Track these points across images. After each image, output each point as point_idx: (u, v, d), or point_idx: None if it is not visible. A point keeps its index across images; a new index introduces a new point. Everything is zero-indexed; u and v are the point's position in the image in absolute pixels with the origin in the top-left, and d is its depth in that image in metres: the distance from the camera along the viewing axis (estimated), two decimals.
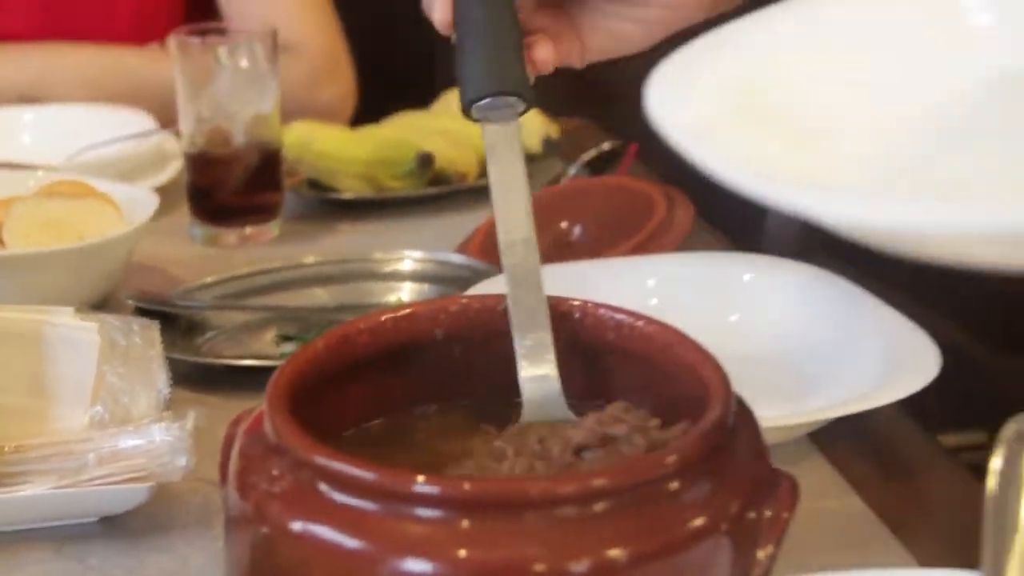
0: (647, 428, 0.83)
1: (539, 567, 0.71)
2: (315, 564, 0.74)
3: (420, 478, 0.73)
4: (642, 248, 1.34)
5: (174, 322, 1.27)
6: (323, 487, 0.74)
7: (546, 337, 0.88)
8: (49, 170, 1.52)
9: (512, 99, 0.95)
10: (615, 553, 0.71)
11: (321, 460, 0.75)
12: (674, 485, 0.74)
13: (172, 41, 1.54)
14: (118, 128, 1.71)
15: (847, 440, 1.09)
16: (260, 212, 1.57)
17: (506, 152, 0.94)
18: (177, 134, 1.61)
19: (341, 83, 2.07)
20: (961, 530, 0.81)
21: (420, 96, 1.82)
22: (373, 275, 1.42)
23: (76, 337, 1.09)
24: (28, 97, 1.85)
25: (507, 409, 0.87)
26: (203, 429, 0.99)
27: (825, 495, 1.02)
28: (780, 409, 1.05)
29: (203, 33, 1.56)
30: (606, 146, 1.70)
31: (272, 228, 1.58)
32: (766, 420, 0.90)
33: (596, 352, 0.89)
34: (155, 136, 1.72)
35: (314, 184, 1.67)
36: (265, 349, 1.27)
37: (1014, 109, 0.78)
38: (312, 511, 0.74)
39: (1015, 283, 1.40)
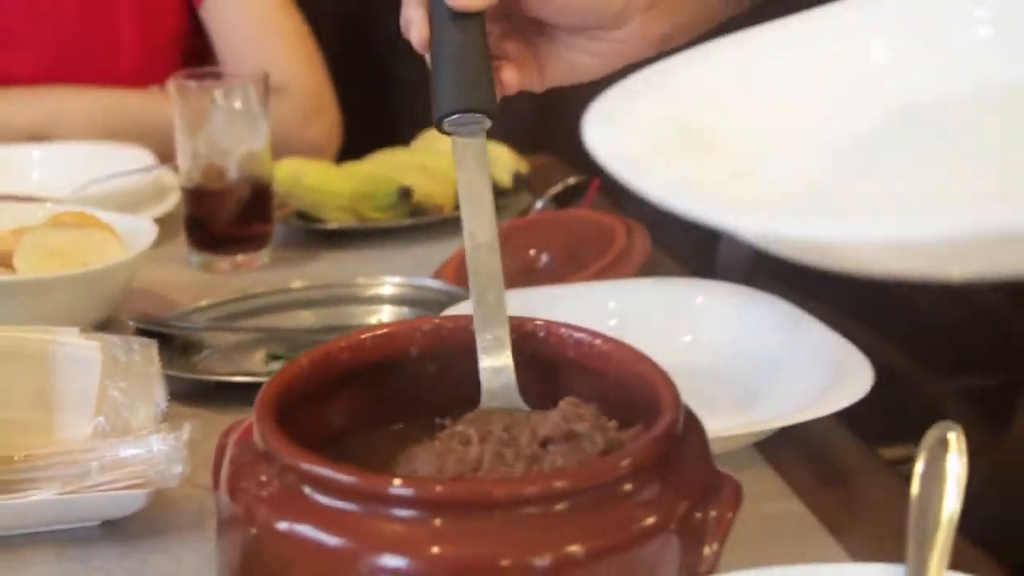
0: (606, 428, 0.83)
1: (505, 562, 0.71)
2: (300, 562, 0.74)
3: (396, 481, 0.74)
4: (603, 274, 1.34)
5: (171, 342, 1.27)
6: (307, 490, 0.74)
7: (504, 333, 0.89)
8: (56, 202, 1.52)
9: (479, 116, 0.96)
10: (574, 549, 0.72)
11: (305, 465, 0.75)
12: (628, 487, 0.74)
13: (171, 84, 1.54)
14: (120, 164, 1.71)
15: (789, 449, 1.09)
16: (252, 241, 1.56)
17: (473, 163, 0.94)
18: (175, 169, 1.61)
19: (328, 122, 2.06)
20: (891, 529, 0.81)
21: (400, 135, 1.81)
22: (356, 299, 1.42)
23: (81, 355, 1.08)
24: (38, 135, 1.85)
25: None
26: (197, 440, 0.98)
27: (769, 499, 1.03)
28: (728, 421, 1.06)
29: (200, 77, 1.56)
30: (571, 181, 1.70)
31: (263, 256, 1.57)
32: (716, 431, 0.91)
33: (557, 367, 0.89)
34: (155, 171, 1.71)
35: (302, 215, 1.66)
36: (255, 367, 1.26)
37: (914, 135, 0.80)
38: (297, 512, 0.74)
39: (948, 311, 1.41)
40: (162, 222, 1.48)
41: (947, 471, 0.83)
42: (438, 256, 1.50)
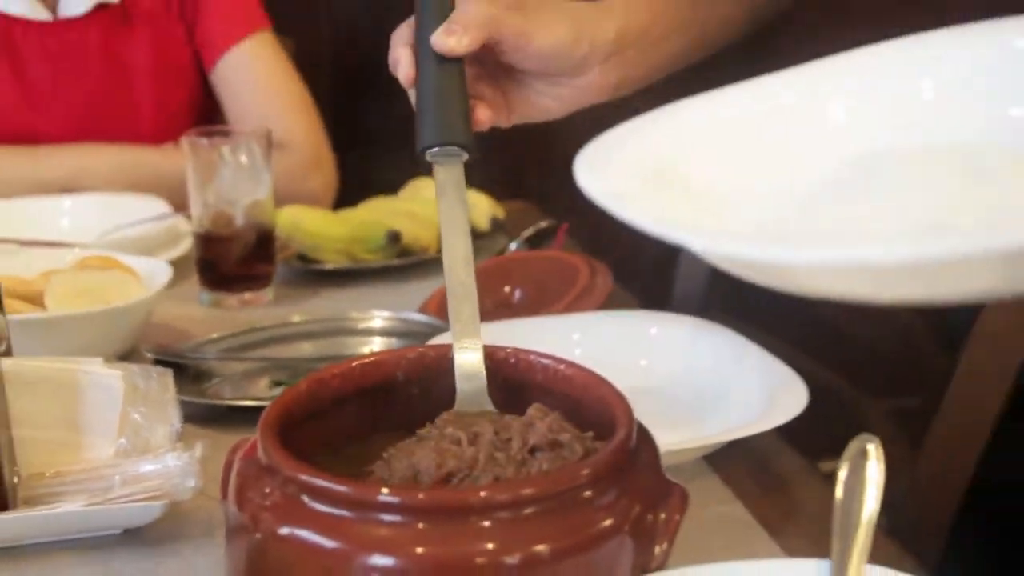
0: (584, 438, 0.83)
1: (480, 560, 0.72)
2: (300, 564, 0.74)
3: (384, 490, 0.74)
4: (570, 308, 1.34)
5: (185, 370, 1.26)
6: (306, 499, 0.75)
7: (477, 342, 0.89)
8: (82, 247, 1.51)
9: (457, 148, 0.97)
10: (541, 549, 0.72)
11: (304, 477, 0.75)
12: (588, 493, 0.75)
13: (184, 141, 1.54)
14: (139, 212, 1.70)
15: (734, 460, 1.09)
16: (257, 281, 1.56)
17: (451, 190, 0.95)
18: (188, 217, 1.60)
19: (325, 175, 2.06)
20: (825, 531, 0.80)
21: (390, 185, 1.81)
22: (349, 331, 1.41)
23: (105, 383, 1.08)
24: (67, 188, 1.84)
25: None
26: (208, 457, 0.98)
27: (716, 505, 1.03)
28: (680, 436, 1.05)
29: (210, 134, 1.55)
30: (542, 225, 1.70)
31: (267, 294, 1.57)
32: (668, 444, 0.93)
33: (527, 388, 0.89)
34: (170, 219, 1.71)
35: (302, 257, 1.66)
36: (260, 392, 1.25)
37: (864, 181, 0.80)
38: (297, 519, 0.75)
39: (879, 340, 1.42)
40: (176, 264, 1.48)
41: (867, 477, 0.83)
42: (423, 293, 1.49)
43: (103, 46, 2.03)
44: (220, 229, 1.55)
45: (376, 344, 1.39)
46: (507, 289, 1.47)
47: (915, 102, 0.85)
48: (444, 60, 1.01)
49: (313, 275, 1.65)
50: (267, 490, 0.77)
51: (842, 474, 0.84)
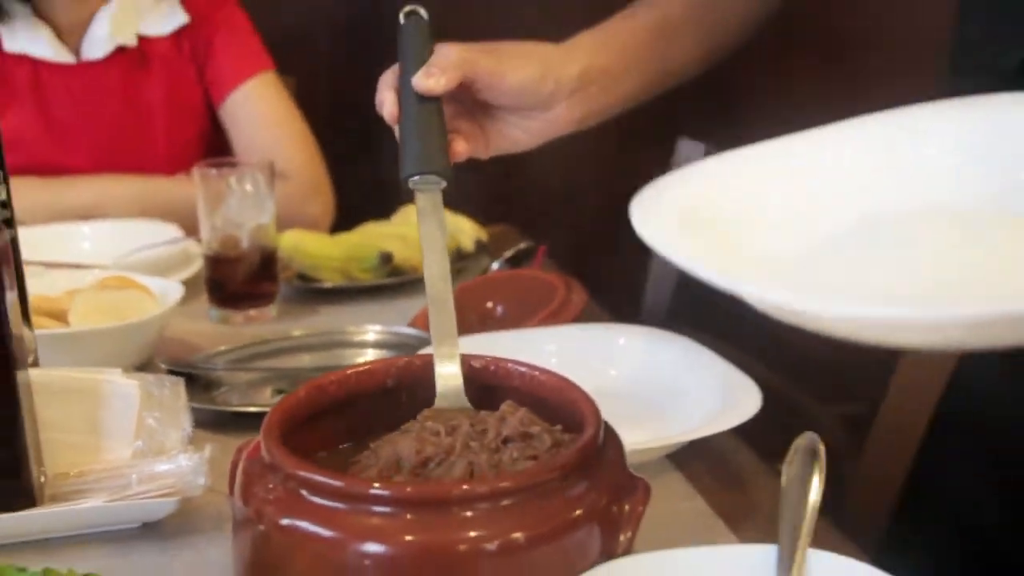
0: (552, 430, 0.84)
1: (463, 547, 0.73)
2: (300, 551, 0.75)
3: (375, 484, 0.75)
4: (546, 322, 1.34)
5: (196, 380, 1.26)
6: (305, 493, 0.76)
7: (454, 347, 0.90)
8: (102, 269, 1.51)
9: (437, 177, 0.97)
10: (517, 536, 0.73)
11: (303, 474, 0.76)
12: (559, 486, 0.76)
13: (195, 172, 1.53)
14: (154, 237, 1.70)
15: (695, 459, 1.08)
16: (261, 298, 1.55)
17: (431, 214, 0.96)
18: (198, 241, 1.59)
19: (323, 201, 2.05)
20: (776, 523, 0.82)
21: (383, 211, 1.81)
22: (345, 344, 1.40)
23: (123, 391, 1.08)
24: (88, 215, 1.83)
25: None
26: (216, 457, 0.99)
27: (678, 499, 1.03)
28: (645, 436, 1.05)
29: (218, 165, 1.55)
30: (522, 246, 1.69)
31: (270, 310, 1.56)
32: (635, 444, 0.93)
33: (505, 393, 0.90)
34: (181, 243, 1.70)
35: (302, 277, 1.65)
36: (264, 400, 1.24)
37: (881, 236, 0.80)
38: (297, 511, 0.76)
39: (829, 350, 1.42)
40: (188, 284, 1.47)
41: (811, 471, 0.84)
42: (412, 309, 1.49)
43: (121, 86, 2.03)
44: (227, 251, 1.54)
45: (370, 355, 1.38)
46: (490, 305, 1.47)
47: (915, 167, 0.85)
48: (424, 99, 1.02)
49: (312, 293, 1.64)
50: (270, 486, 0.78)
51: (789, 468, 0.85)
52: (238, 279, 1.55)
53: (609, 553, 0.78)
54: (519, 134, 1.12)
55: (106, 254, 1.66)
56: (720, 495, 1.05)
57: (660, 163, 2.02)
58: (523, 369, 0.91)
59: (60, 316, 1.33)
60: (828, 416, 1.80)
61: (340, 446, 0.90)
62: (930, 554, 0.99)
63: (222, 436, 1.10)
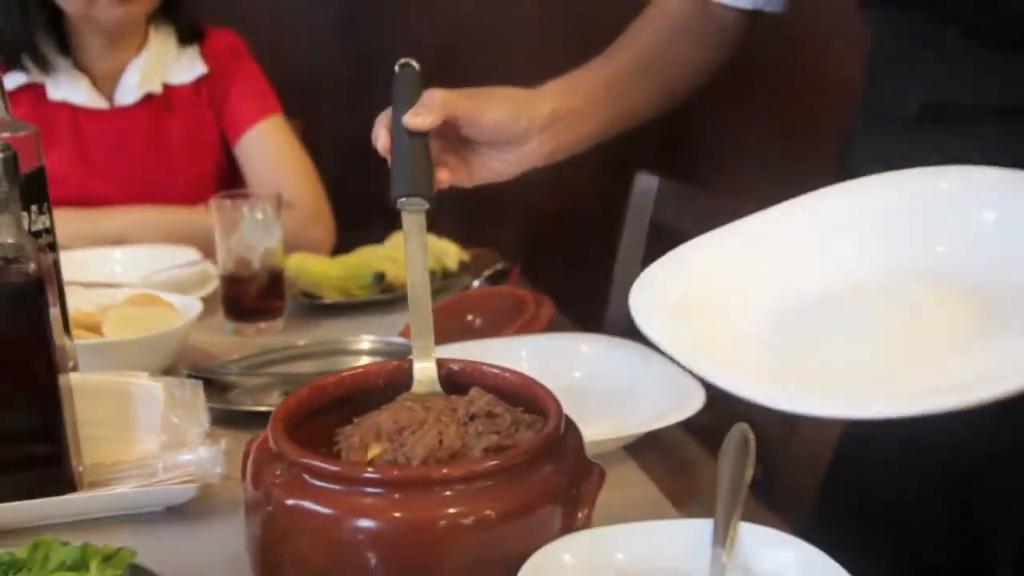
0: (514, 411, 0.85)
1: (443, 523, 0.74)
2: (303, 528, 0.76)
3: (369, 469, 0.76)
4: (519, 332, 1.35)
5: (213, 383, 1.26)
6: (307, 477, 0.77)
7: (430, 343, 0.91)
8: (131, 287, 1.50)
9: (421, 200, 0.98)
10: (489, 512, 0.75)
11: (305, 461, 0.77)
12: (526, 470, 0.77)
13: (212, 202, 1.54)
14: (177, 259, 1.69)
15: (649, 450, 1.09)
16: (270, 313, 1.55)
17: (415, 232, 0.97)
18: (214, 263, 1.59)
19: (324, 228, 2.04)
20: (715, 501, 0.82)
21: (377, 236, 1.78)
22: (344, 352, 1.40)
23: (150, 392, 1.09)
24: (119, 240, 1.83)
25: None
26: (231, 450, 0.99)
27: (632, 484, 1.04)
28: (604, 429, 1.06)
29: (233, 197, 1.55)
30: (499, 266, 1.70)
31: (278, 324, 1.55)
32: (594, 435, 0.93)
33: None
34: (200, 265, 1.69)
35: (306, 294, 1.64)
36: (272, 401, 1.24)
37: (859, 308, 0.79)
38: (300, 493, 0.77)
39: None
40: (206, 300, 1.47)
41: (745, 454, 0.85)
42: (402, 321, 1.47)
43: (148, 128, 2.02)
44: (240, 272, 1.54)
45: (364, 362, 1.36)
46: (470, 317, 1.47)
47: (857, 240, 0.85)
48: (413, 135, 1.03)
49: (315, 308, 1.63)
50: (277, 472, 0.79)
51: (724, 454, 0.86)
52: (250, 296, 1.55)
53: (569, 527, 0.79)
54: (498, 166, 1.13)
55: (135, 275, 1.66)
56: (669, 480, 1.05)
57: (621, 194, 2.04)
58: (496, 370, 0.91)
59: (95, 328, 1.34)
60: (763, 411, 1.81)
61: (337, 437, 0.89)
62: (850, 531, 1.00)
63: (235, 432, 1.09)
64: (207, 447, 1.02)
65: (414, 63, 1.10)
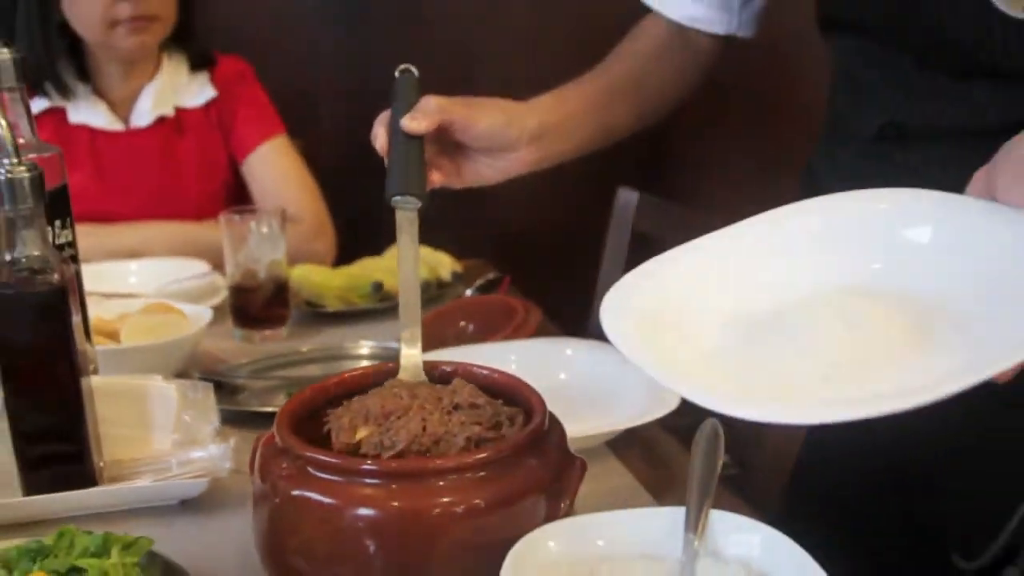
0: (495, 403, 0.85)
1: (436, 511, 0.75)
2: (307, 517, 0.77)
3: (368, 461, 0.77)
4: (509, 337, 1.35)
5: (223, 386, 1.26)
6: (310, 470, 0.77)
7: (417, 332, 0.92)
8: (147, 297, 1.52)
9: (414, 199, 0.98)
10: (478, 502, 0.75)
11: (308, 454, 0.78)
12: (513, 462, 0.78)
13: (221, 218, 1.55)
14: (188, 271, 1.69)
15: (629, 445, 1.09)
16: (275, 320, 1.55)
17: (407, 228, 0.97)
18: (223, 274, 1.59)
19: (326, 241, 2.04)
20: None
21: (376, 248, 1.79)
22: (344, 356, 1.40)
23: (165, 394, 1.09)
24: (135, 254, 1.83)
25: None
26: (239, 447, 1.00)
27: (613, 476, 1.05)
28: (587, 426, 1.06)
29: (240, 212, 1.56)
30: (490, 276, 1.70)
31: (283, 331, 1.55)
32: (578, 432, 0.94)
33: None
34: (210, 276, 1.69)
35: (309, 303, 1.63)
36: (278, 402, 1.24)
37: (805, 321, 0.78)
38: (304, 485, 0.77)
39: None
40: (216, 309, 1.48)
41: (715, 447, 0.87)
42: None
43: (162, 148, 2.03)
44: (248, 282, 1.54)
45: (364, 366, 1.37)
46: (462, 324, 1.47)
47: (806, 256, 0.84)
48: (409, 137, 1.04)
49: (317, 316, 1.63)
50: (283, 465, 0.80)
51: (696, 446, 0.87)
52: (257, 305, 1.55)
53: (553, 516, 0.79)
54: (486, 171, 1.14)
55: (150, 286, 1.66)
56: (647, 473, 1.05)
57: (604, 208, 2.06)
58: (485, 371, 0.92)
59: (114, 335, 1.34)
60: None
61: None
62: (816, 524, 1.01)
63: (243, 430, 1.09)
64: (217, 444, 1.02)
65: (413, 69, 1.10)
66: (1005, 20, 0.99)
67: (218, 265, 1.67)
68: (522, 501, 0.78)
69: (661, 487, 1.02)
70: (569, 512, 0.80)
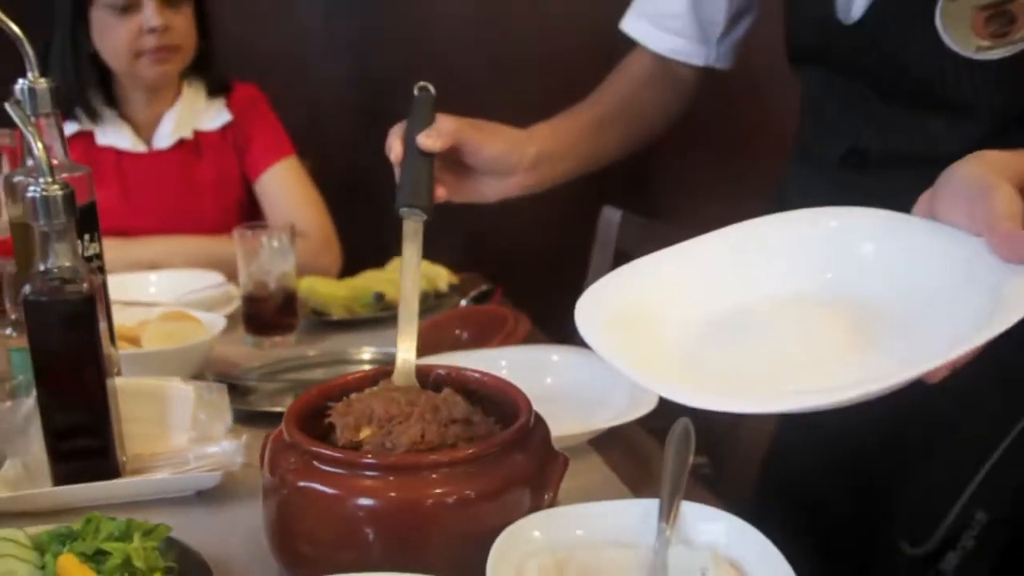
0: (488, 421, 0.86)
1: (430, 502, 0.76)
2: (312, 507, 0.78)
3: (368, 455, 0.77)
4: (500, 344, 1.35)
5: (235, 388, 1.25)
6: (315, 463, 0.79)
7: (413, 336, 0.92)
8: (165, 306, 1.53)
9: (421, 211, 0.99)
10: (469, 493, 0.76)
11: (314, 449, 0.79)
12: (500, 457, 0.79)
13: (235, 233, 1.55)
14: (204, 282, 1.70)
15: (610, 443, 1.09)
16: (285, 328, 1.55)
17: (413, 239, 0.98)
18: (237, 285, 1.60)
19: (332, 255, 2.04)
20: None
21: (378, 261, 1.79)
22: (348, 361, 1.40)
23: (182, 394, 1.09)
24: (154, 266, 1.83)
25: None
26: (250, 443, 1.00)
27: (594, 472, 1.05)
28: (571, 425, 1.06)
29: (253, 227, 1.56)
30: (483, 288, 1.71)
31: (291, 337, 1.55)
32: (563, 431, 0.94)
33: (461, 392, 0.89)
34: (224, 286, 1.70)
35: (315, 312, 1.63)
36: (286, 403, 1.12)
37: (762, 323, 0.80)
38: (310, 477, 0.78)
39: None
40: (229, 317, 1.48)
41: (687, 443, 0.88)
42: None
43: (181, 168, 2.04)
44: (259, 293, 1.54)
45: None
46: (458, 332, 1.47)
47: (767, 266, 0.85)
48: (423, 154, 1.05)
49: (323, 324, 1.62)
50: (290, 459, 0.80)
51: (669, 443, 0.88)
52: (267, 313, 1.55)
53: (537, 507, 0.80)
54: (487, 190, 1.16)
55: (168, 295, 1.66)
56: (626, 469, 1.06)
57: (589, 225, 2.07)
58: (476, 375, 0.93)
59: (135, 340, 1.35)
60: (707, 411, 1.81)
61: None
62: (784, 517, 1.02)
63: (254, 428, 1.09)
64: (230, 441, 1.03)
65: (430, 87, 1.11)
66: (956, 59, 1.00)
67: (232, 276, 1.67)
68: (509, 493, 0.79)
69: (638, 482, 1.03)
70: (552, 503, 0.81)
